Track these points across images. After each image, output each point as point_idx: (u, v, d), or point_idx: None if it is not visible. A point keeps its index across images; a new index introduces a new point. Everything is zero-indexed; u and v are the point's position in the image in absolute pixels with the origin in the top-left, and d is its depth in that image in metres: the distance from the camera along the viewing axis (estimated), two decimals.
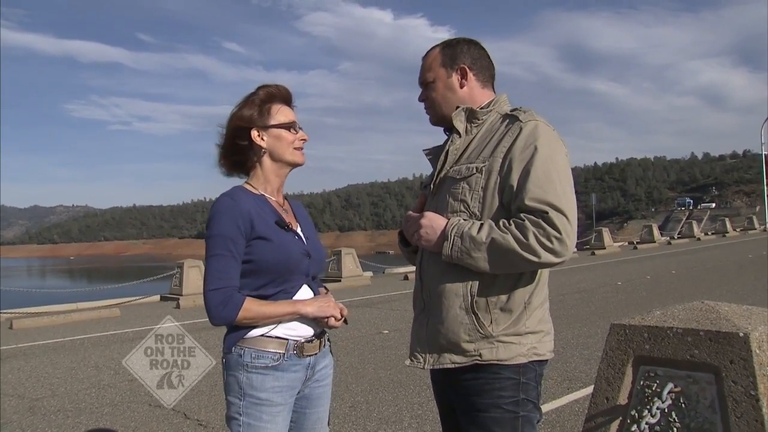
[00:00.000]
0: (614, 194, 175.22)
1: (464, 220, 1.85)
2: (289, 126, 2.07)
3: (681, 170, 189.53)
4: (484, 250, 1.77)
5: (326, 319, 2.03)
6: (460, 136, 1.96)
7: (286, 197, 2.20)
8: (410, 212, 2.02)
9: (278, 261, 1.96)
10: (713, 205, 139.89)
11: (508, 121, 1.91)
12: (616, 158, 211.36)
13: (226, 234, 1.92)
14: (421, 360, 1.94)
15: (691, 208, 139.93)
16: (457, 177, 1.90)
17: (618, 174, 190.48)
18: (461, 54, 2.01)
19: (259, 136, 2.06)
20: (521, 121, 1.87)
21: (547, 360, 1.92)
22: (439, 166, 1.98)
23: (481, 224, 1.80)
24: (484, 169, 1.85)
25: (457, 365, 1.86)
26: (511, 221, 1.77)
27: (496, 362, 1.82)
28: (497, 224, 1.78)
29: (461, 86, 2.01)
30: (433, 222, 1.89)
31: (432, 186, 2.01)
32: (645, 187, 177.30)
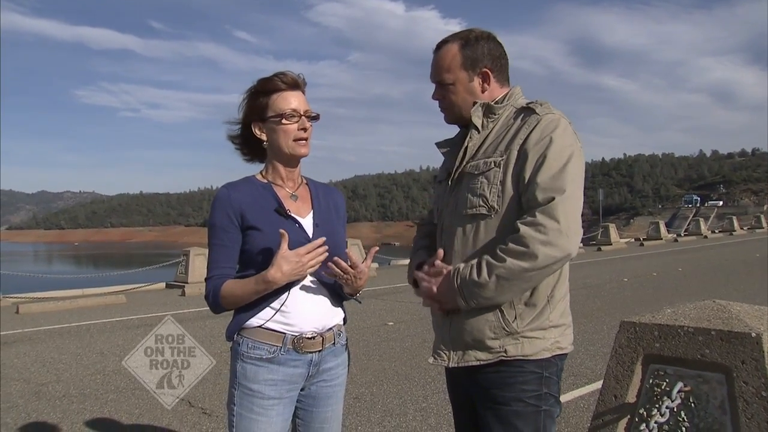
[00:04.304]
0: (621, 190, 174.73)
1: (464, 264, 1.82)
2: (284, 116, 1.98)
3: (689, 167, 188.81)
4: (491, 288, 1.75)
5: (335, 272, 1.95)
6: (478, 132, 1.93)
7: (311, 183, 2.17)
8: (421, 275, 1.95)
9: (270, 250, 1.94)
10: (720, 203, 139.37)
11: (524, 114, 1.88)
12: (624, 154, 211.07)
13: (218, 224, 1.98)
14: (445, 358, 1.92)
15: (698, 205, 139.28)
16: (476, 172, 1.87)
17: (625, 170, 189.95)
18: (483, 56, 1.94)
19: (258, 129, 2.04)
20: (538, 114, 1.84)
21: (567, 353, 1.91)
22: (457, 163, 1.94)
23: (479, 263, 1.77)
24: (501, 162, 1.83)
25: (482, 362, 1.84)
26: (507, 241, 1.74)
27: (521, 357, 1.81)
28: (495, 254, 1.75)
29: (483, 90, 1.96)
30: (442, 289, 1.86)
31: (450, 182, 1.98)
32: (652, 183, 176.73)
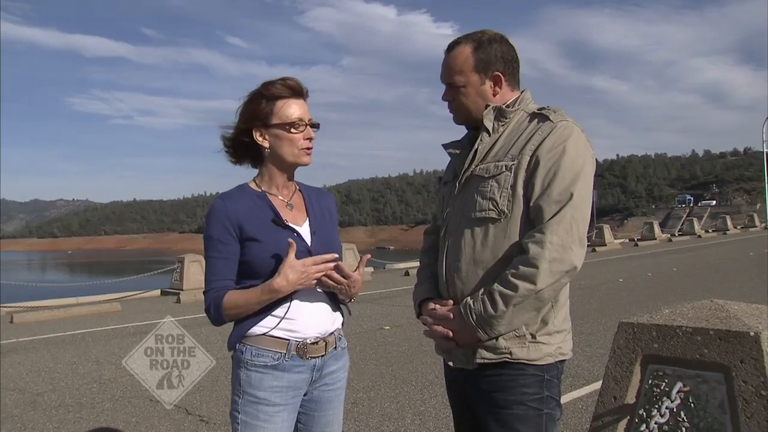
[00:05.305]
0: (615, 191, 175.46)
1: (471, 299, 1.80)
2: (290, 125, 1.96)
3: (682, 167, 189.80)
4: (509, 317, 1.73)
5: (328, 285, 1.95)
6: (489, 135, 1.91)
7: (303, 188, 2.15)
8: (430, 320, 1.91)
9: (269, 261, 1.92)
10: (714, 202, 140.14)
11: (537, 119, 1.87)
12: (617, 155, 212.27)
13: (215, 236, 1.96)
14: (453, 358, 1.92)
15: (691, 205, 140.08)
16: (486, 175, 1.86)
17: (619, 171, 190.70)
18: (495, 59, 1.92)
19: (261, 135, 2.00)
20: (552, 121, 1.83)
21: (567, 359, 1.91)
22: (465, 165, 1.93)
23: (491, 295, 1.75)
24: (513, 167, 1.82)
25: (486, 360, 1.82)
26: (517, 264, 1.73)
27: (524, 361, 1.80)
28: (506, 281, 1.73)
29: (494, 94, 1.94)
30: (457, 329, 1.83)
31: (457, 184, 1.96)
32: (646, 184, 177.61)
